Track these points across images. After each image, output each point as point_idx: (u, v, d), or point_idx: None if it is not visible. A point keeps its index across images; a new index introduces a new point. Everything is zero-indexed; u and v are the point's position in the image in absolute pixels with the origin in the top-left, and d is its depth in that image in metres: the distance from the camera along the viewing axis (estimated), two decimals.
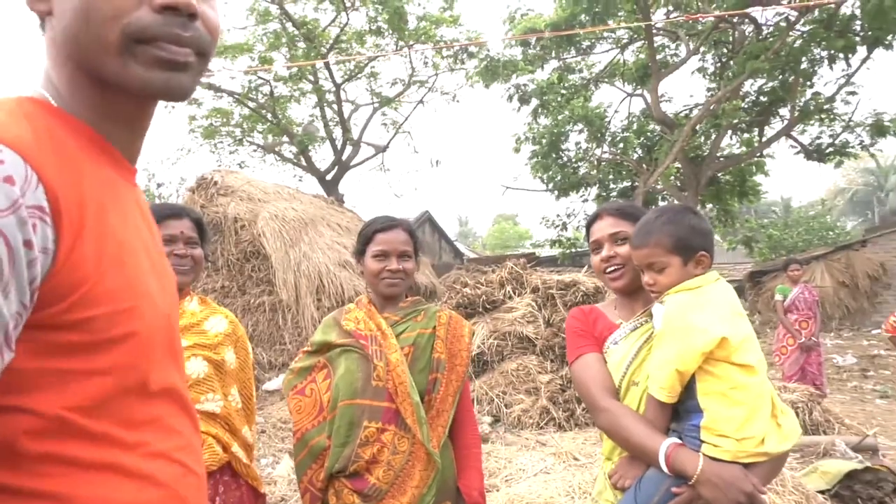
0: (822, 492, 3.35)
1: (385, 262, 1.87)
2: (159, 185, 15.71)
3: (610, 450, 1.66)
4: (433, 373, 1.82)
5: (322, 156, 16.72)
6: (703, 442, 1.41)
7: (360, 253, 1.94)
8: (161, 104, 0.90)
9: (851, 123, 12.64)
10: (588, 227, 1.83)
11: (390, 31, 13.96)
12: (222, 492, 1.74)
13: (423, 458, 1.73)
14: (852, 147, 12.85)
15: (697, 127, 12.42)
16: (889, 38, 10.93)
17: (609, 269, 1.72)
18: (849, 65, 11.98)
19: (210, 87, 14.68)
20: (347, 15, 13.83)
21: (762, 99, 13.32)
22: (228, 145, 17.03)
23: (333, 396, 1.76)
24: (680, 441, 1.45)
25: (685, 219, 1.58)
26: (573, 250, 15.53)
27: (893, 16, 9.99)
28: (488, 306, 6.95)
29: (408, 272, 1.88)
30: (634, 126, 14.88)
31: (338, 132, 15.89)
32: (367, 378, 1.76)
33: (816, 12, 11.33)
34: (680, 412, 1.48)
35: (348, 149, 15.89)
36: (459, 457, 1.83)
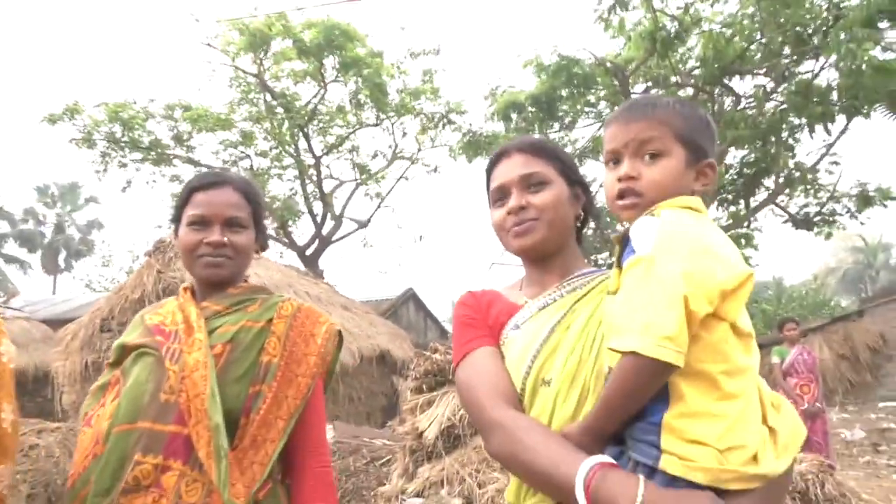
0: None
1: (203, 233, 1.37)
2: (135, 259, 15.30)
3: (517, 494, 1.13)
4: (256, 383, 1.28)
5: (303, 230, 16.40)
6: (662, 452, 0.88)
7: (175, 221, 1.44)
8: None
9: (837, 193, 12.50)
10: (489, 171, 1.34)
11: (371, 104, 13.99)
12: None
13: None
14: (840, 216, 12.65)
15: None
16: (866, 108, 10.94)
17: (516, 226, 1.24)
18: (828, 133, 11.97)
19: (190, 161, 14.55)
20: (325, 87, 13.89)
21: (746, 171, 13.24)
22: None
23: (112, 421, 1.22)
24: (612, 461, 0.92)
25: (700, 112, 1.12)
26: None
27: (870, 87, 10.01)
28: None
29: (238, 248, 1.38)
30: None
31: (319, 206, 15.68)
32: (156, 390, 1.24)
33: (794, 83, 11.43)
34: None
35: (329, 223, 15.63)
36: None
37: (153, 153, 14.15)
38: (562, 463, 0.94)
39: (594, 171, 15.17)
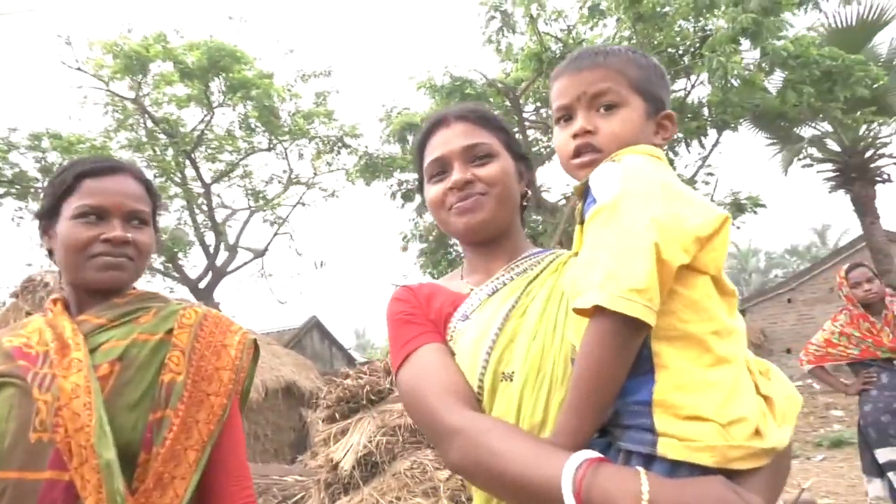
0: None
1: (99, 227, 1.14)
2: None
3: None
4: (157, 408, 1.07)
5: (194, 263, 15.43)
6: (657, 435, 0.77)
7: (47, 216, 1.18)
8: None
9: (714, 202, 13.46)
10: (422, 142, 1.20)
11: (262, 129, 13.51)
12: None
13: None
14: None
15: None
16: (733, 122, 11.91)
17: (460, 202, 1.10)
18: (703, 146, 12.89)
19: None
20: (212, 112, 13.27)
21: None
22: None
23: None
24: (599, 455, 0.79)
25: (654, 62, 1.03)
26: None
27: (736, 102, 10.89)
28: (373, 397, 6.10)
29: (141, 247, 1.17)
30: None
31: (211, 237, 14.86)
32: (22, 428, 1.01)
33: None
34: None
35: (224, 254, 14.84)
36: None
37: (17, 187, 12.86)
38: (541, 464, 0.79)
39: None
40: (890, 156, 11.94)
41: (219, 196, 14.96)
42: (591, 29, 12.24)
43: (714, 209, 0.85)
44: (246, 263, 15.56)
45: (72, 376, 1.04)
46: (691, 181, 13.21)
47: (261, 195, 15.04)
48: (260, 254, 15.60)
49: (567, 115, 1.03)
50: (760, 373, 0.88)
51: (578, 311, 0.81)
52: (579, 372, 0.81)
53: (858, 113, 10.02)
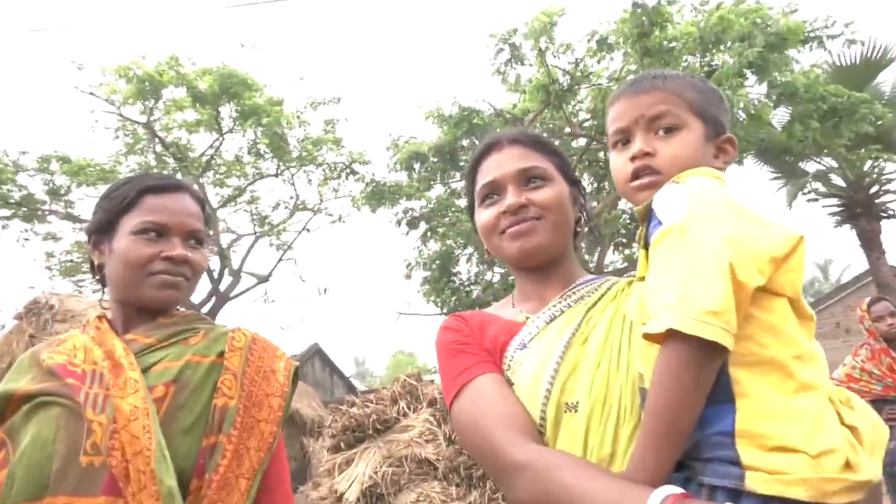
0: None
1: (159, 245, 1.13)
2: None
3: None
4: (211, 434, 1.04)
5: (198, 287, 15.33)
6: (744, 468, 0.73)
7: (103, 231, 1.17)
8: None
9: None
10: (474, 165, 1.19)
11: (270, 155, 13.59)
12: None
13: None
14: None
15: (582, 243, 12.78)
16: (739, 156, 12.00)
17: (514, 226, 1.08)
18: None
19: (69, 217, 13.37)
20: (222, 137, 13.36)
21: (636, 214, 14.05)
22: (91, 283, 15.35)
23: (3, 501, 0.92)
24: (683, 491, 0.74)
25: (712, 85, 1.03)
26: None
27: (742, 136, 10.98)
28: (380, 427, 6.01)
29: (196, 268, 1.16)
30: None
31: (215, 261, 14.84)
32: (72, 451, 0.96)
33: None
34: None
35: (227, 279, 14.79)
36: None
37: (24, 209, 12.88)
38: (622, 500, 0.75)
39: None
40: (895, 192, 11.99)
41: (224, 221, 14.98)
42: (598, 62, 12.41)
43: (789, 228, 0.83)
44: (249, 289, 15.50)
45: (129, 397, 1.01)
46: None
47: (266, 220, 15.06)
48: (264, 279, 15.55)
49: (625, 139, 1.02)
50: (841, 402, 0.84)
51: (649, 337, 0.78)
52: (654, 401, 0.78)
53: (863, 150, 10.10)
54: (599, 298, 1.08)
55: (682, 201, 0.84)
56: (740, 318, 0.75)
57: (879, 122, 9.57)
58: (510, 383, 1.01)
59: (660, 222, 0.86)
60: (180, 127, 13.55)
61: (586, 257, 13.71)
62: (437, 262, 14.32)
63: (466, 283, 15.18)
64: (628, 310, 0.99)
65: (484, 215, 1.15)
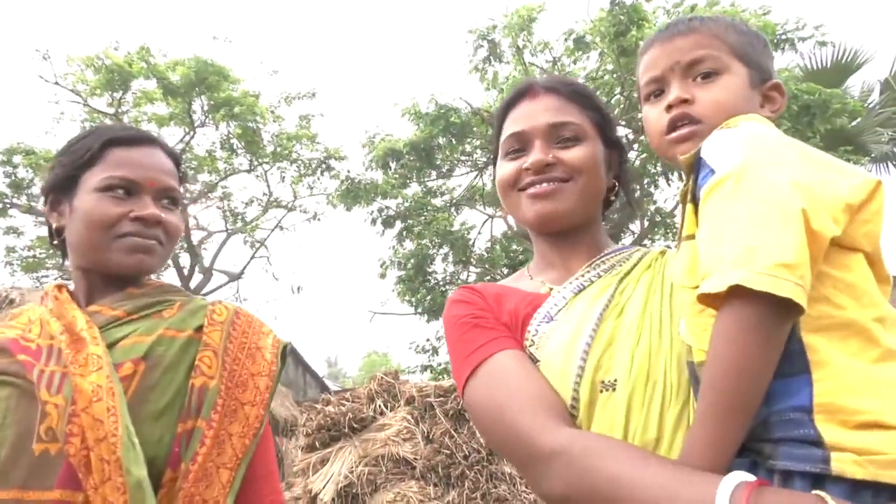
0: None
1: (128, 204, 1.01)
2: None
3: None
4: (188, 418, 0.92)
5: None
6: (827, 449, 0.63)
7: (62, 189, 1.04)
8: None
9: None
10: (503, 112, 1.07)
11: (244, 150, 13.33)
12: None
13: None
14: None
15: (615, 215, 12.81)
16: None
17: (537, 187, 0.98)
18: (682, 180, 13.09)
19: (31, 210, 12.95)
20: (194, 131, 13.06)
21: (614, 217, 14.12)
22: (55, 279, 14.89)
23: None
24: (754, 478, 0.64)
25: (754, 30, 0.92)
26: (445, 377, 14.86)
27: None
28: (356, 426, 5.88)
29: (170, 231, 1.05)
30: (498, 247, 15.10)
31: (185, 259, 14.51)
32: (22, 437, 0.85)
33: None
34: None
35: (198, 276, 14.48)
36: None
37: None
38: (683, 491, 0.64)
39: (472, 219, 15.49)
40: None
41: (195, 216, 14.66)
42: (575, 62, 12.44)
43: (864, 173, 0.74)
44: (221, 287, 15.21)
45: (91, 375, 0.89)
46: (671, 214, 13.39)
47: (239, 217, 14.79)
48: (236, 277, 15.28)
49: (658, 89, 0.92)
50: None
51: (705, 300, 0.69)
52: (714, 372, 0.68)
53: (836, 151, 10.27)
54: (632, 268, 0.99)
55: (738, 146, 0.75)
56: (813, 275, 0.66)
57: (853, 123, 9.74)
58: (534, 360, 0.92)
59: (712, 171, 0.76)
60: (150, 120, 13.22)
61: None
62: (413, 261, 14.22)
63: (441, 283, 15.11)
64: (672, 274, 0.89)
65: (503, 168, 1.05)
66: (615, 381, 0.84)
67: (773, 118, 0.90)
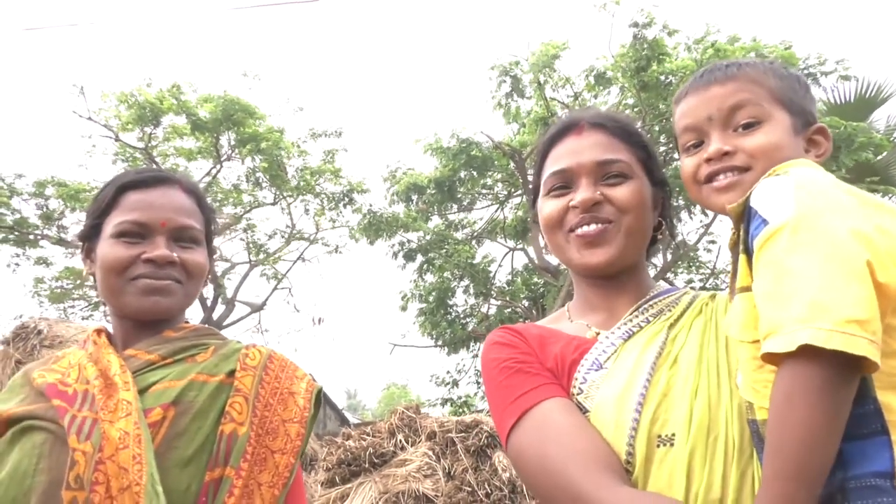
0: None
1: (140, 246, 1.01)
2: None
3: None
4: (216, 466, 0.90)
5: (190, 315, 15.11)
6: None
7: (89, 238, 1.07)
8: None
9: (716, 270, 13.46)
10: (547, 148, 1.04)
11: (268, 183, 13.54)
12: None
13: None
14: (720, 290, 13.59)
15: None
16: None
17: (585, 228, 0.95)
18: (705, 214, 12.98)
19: (61, 241, 13.22)
20: (221, 164, 13.32)
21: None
22: (81, 310, 15.10)
23: None
24: None
25: (795, 73, 0.90)
26: (465, 410, 14.68)
27: None
28: (376, 461, 5.82)
29: (190, 269, 1.04)
30: (519, 280, 15.05)
31: (208, 290, 14.68)
32: (54, 485, 0.84)
33: (672, 168, 12.41)
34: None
35: (221, 307, 14.59)
36: None
37: (15, 233, 12.74)
38: None
39: (493, 252, 15.49)
40: None
41: (219, 249, 14.87)
42: (595, 97, 12.52)
43: None
44: (243, 318, 15.29)
45: (119, 422, 0.89)
46: (694, 248, 13.27)
47: (262, 249, 14.94)
48: (258, 308, 15.36)
49: (697, 140, 0.90)
50: None
51: (770, 358, 0.66)
52: (780, 436, 0.64)
53: (863, 183, 10.13)
54: (682, 313, 0.95)
55: (790, 194, 0.72)
56: (882, 329, 0.63)
57: (879, 157, 9.61)
58: (583, 410, 0.87)
59: (764, 221, 0.73)
60: (178, 154, 13.52)
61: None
62: (434, 293, 14.21)
63: (462, 315, 15.04)
64: (727, 326, 0.85)
65: (549, 206, 1.01)
66: (673, 435, 0.80)
67: (818, 163, 0.88)
